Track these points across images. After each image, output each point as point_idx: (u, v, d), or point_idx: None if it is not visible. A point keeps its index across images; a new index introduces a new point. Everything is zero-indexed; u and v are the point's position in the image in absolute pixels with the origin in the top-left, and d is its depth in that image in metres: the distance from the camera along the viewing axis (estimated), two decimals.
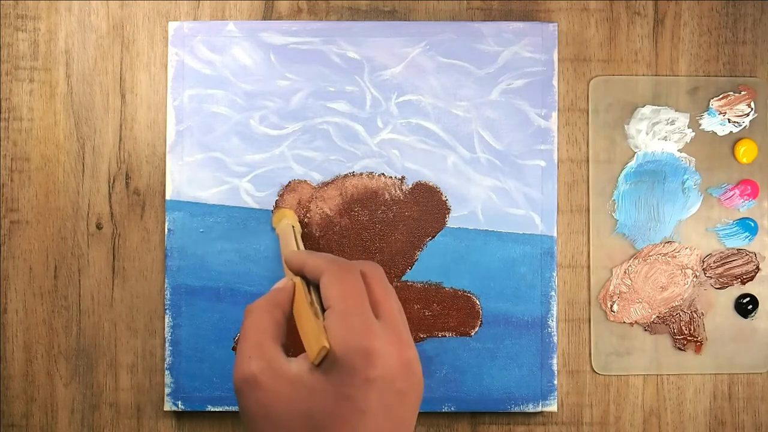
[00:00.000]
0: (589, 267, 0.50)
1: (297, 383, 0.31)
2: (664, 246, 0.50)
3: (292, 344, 0.36)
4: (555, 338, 0.49)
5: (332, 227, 0.49)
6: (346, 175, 0.49)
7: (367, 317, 0.32)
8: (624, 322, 0.50)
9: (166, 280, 0.48)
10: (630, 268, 0.50)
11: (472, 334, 0.48)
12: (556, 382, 0.49)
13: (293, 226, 0.45)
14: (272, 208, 0.48)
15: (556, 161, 0.49)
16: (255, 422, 0.32)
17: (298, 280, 0.38)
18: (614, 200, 0.50)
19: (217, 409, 0.48)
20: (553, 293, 0.49)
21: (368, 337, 0.31)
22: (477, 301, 0.48)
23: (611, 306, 0.49)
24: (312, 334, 0.32)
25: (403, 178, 0.49)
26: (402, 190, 0.49)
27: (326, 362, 0.31)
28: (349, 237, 0.48)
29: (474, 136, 0.49)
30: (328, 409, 0.30)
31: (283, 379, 0.31)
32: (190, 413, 0.49)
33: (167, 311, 0.48)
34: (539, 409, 0.48)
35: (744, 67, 0.50)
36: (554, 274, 0.49)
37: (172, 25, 0.49)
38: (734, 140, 0.50)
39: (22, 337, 0.49)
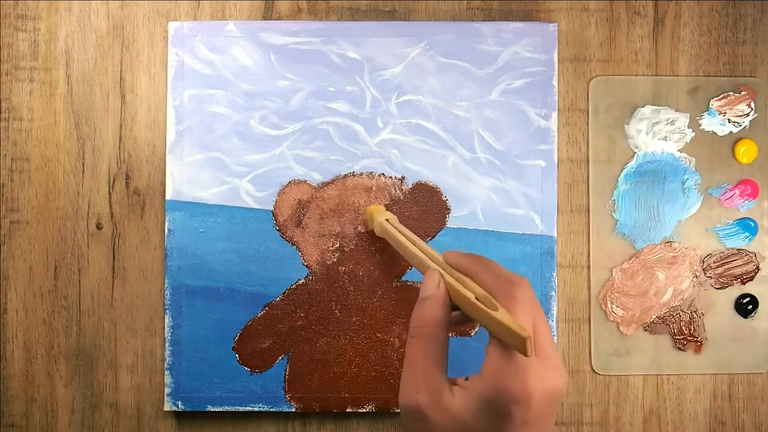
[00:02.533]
0: (589, 267, 0.50)
1: (458, 421, 0.33)
2: (664, 246, 0.50)
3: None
4: (555, 338, 0.49)
5: (332, 227, 0.49)
6: (346, 175, 0.49)
7: (527, 359, 0.32)
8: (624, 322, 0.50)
9: (166, 280, 0.48)
10: (630, 268, 0.50)
11: (472, 334, 0.48)
12: None
13: (387, 219, 0.43)
14: (362, 212, 0.48)
15: (556, 161, 0.49)
16: None
17: (449, 278, 0.35)
18: (614, 200, 0.50)
19: (217, 409, 0.48)
20: (553, 293, 0.49)
21: (527, 383, 0.32)
22: None
23: (612, 307, 0.49)
24: (501, 329, 0.32)
25: (403, 178, 0.49)
26: (402, 190, 0.49)
27: (486, 405, 0.32)
28: (349, 237, 0.48)
29: (474, 136, 0.49)
30: None
31: (446, 416, 0.33)
32: (190, 413, 0.49)
33: (167, 311, 0.48)
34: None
35: (744, 67, 0.50)
36: (554, 274, 0.49)
37: (172, 25, 0.49)
38: (734, 140, 0.50)
39: (22, 337, 0.49)
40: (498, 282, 0.34)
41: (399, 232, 0.41)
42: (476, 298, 0.33)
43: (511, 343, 0.32)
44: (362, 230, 0.48)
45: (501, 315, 0.32)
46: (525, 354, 0.31)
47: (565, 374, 0.34)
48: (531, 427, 0.32)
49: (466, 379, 0.34)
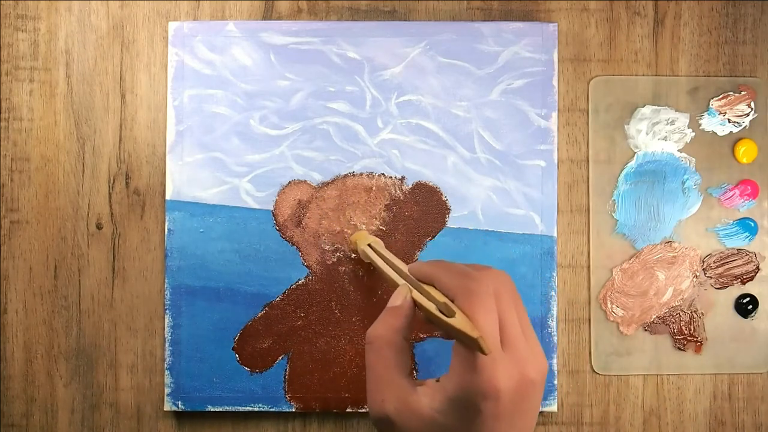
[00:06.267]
0: (589, 267, 0.50)
1: (429, 421, 0.33)
2: (664, 246, 0.50)
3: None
4: (555, 338, 0.49)
5: (332, 227, 0.49)
6: (346, 175, 0.49)
7: (493, 354, 0.32)
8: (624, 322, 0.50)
9: (166, 280, 0.48)
10: (630, 268, 0.50)
11: None
12: (556, 382, 0.49)
13: (369, 245, 0.44)
14: (349, 237, 0.48)
15: (556, 161, 0.49)
16: None
17: (416, 294, 0.36)
18: (614, 200, 0.50)
19: (217, 409, 0.48)
20: (553, 293, 0.49)
21: (494, 378, 0.32)
22: None
23: (612, 307, 0.49)
24: (458, 334, 0.33)
25: (403, 178, 0.49)
26: (402, 190, 0.49)
27: (455, 403, 0.32)
28: (349, 237, 0.48)
29: (474, 136, 0.49)
30: None
31: (416, 418, 0.33)
32: (190, 413, 0.49)
33: (167, 311, 0.48)
34: (539, 409, 0.48)
35: (744, 67, 0.50)
36: (554, 274, 0.49)
37: (172, 25, 0.49)
38: (734, 140, 0.50)
39: (22, 337, 0.49)
40: (457, 281, 0.34)
41: (380, 256, 0.42)
42: (437, 308, 0.34)
43: (471, 345, 0.32)
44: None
45: (456, 321, 0.32)
46: (483, 353, 0.31)
47: (539, 362, 0.33)
48: (503, 421, 0.32)
49: (437, 380, 0.34)
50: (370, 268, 0.48)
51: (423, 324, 0.48)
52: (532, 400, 0.33)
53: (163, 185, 0.49)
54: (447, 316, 0.33)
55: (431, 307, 0.35)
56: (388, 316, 0.36)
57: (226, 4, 0.50)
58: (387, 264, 0.41)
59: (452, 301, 0.34)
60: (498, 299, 0.34)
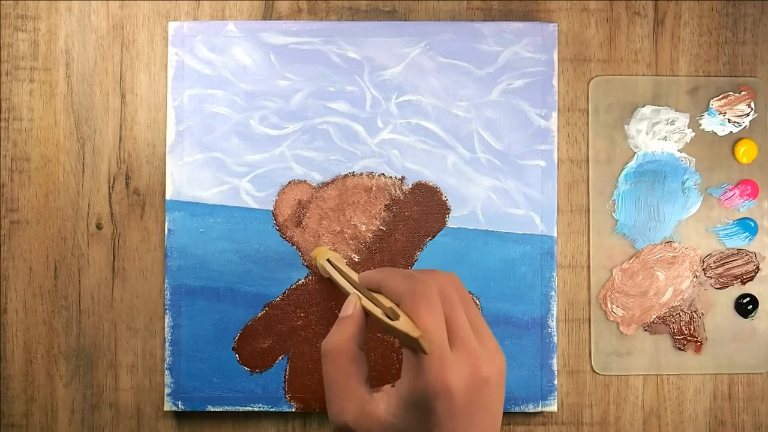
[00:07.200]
0: (589, 267, 0.50)
1: (388, 427, 0.34)
2: (664, 246, 0.50)
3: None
4: (555, 338, 0.49)
5: (332, 227, 0.49)
6: (346, 175, 0.49)
7: (441, 352, 0.33)
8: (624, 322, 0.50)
9: (166, 280, 0.48)
10: (630, 268, 0.50)
11: None
12: (556, 382, 0.49)
13: (328, 259, 0.44)
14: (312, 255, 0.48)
15: (556, 161, 0.49)
16: None
17: (365, 301, 0.37)
18: (614, 200, 0.50)
19: (217, 409, 0.48)
20: (553, 293, 0.49)
21: (444, 377, 0.32)
22: (477, 302, 0.48)
23: (612, 307, 0.49)
24: (403, 335, 0.33)
25: (403, 178, 0.49)
26: (402, 190, 0.49)
27: (409, 405, 0.33)
28: (349, 237, 0.48)
29: (474, 136, 0.49)
30: None
31: (375, 424, 0.34)
32: (190, 413, 0.49)
33: (167, 311, 0.48)
34: (539, 409, 0.48)
35: (744, 67, 0.50)
36: (554, 274, 0.49)
37: (172, 25, 0.49)
38: (734, 140, 0.50)
39: (22, 337, 0.49)
40: (402, 285, 0.35)
41: (338, 270, 0.43)
42: (384, 313, 0.35)
43: (413, 346, 0.33)
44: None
45: (399, 323, 0.33)
46: (424, 352, 0.32)
47: (494, 359, 0.34)
48: (458, 418, 0.32)
49: (393, 385, 0.34)
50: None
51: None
52: (488, 397, 0.33)
53: (163, 185, 0.49)
54: (392, 320, 0.34)
55: (378, 312, 0.35)
56: (341, 326, 0.37)
57: (226, 4, 0.50)
58: (343, 277, 0.41)
59: (398, 305, 0.35)
60: (444, 300, 0.34)
